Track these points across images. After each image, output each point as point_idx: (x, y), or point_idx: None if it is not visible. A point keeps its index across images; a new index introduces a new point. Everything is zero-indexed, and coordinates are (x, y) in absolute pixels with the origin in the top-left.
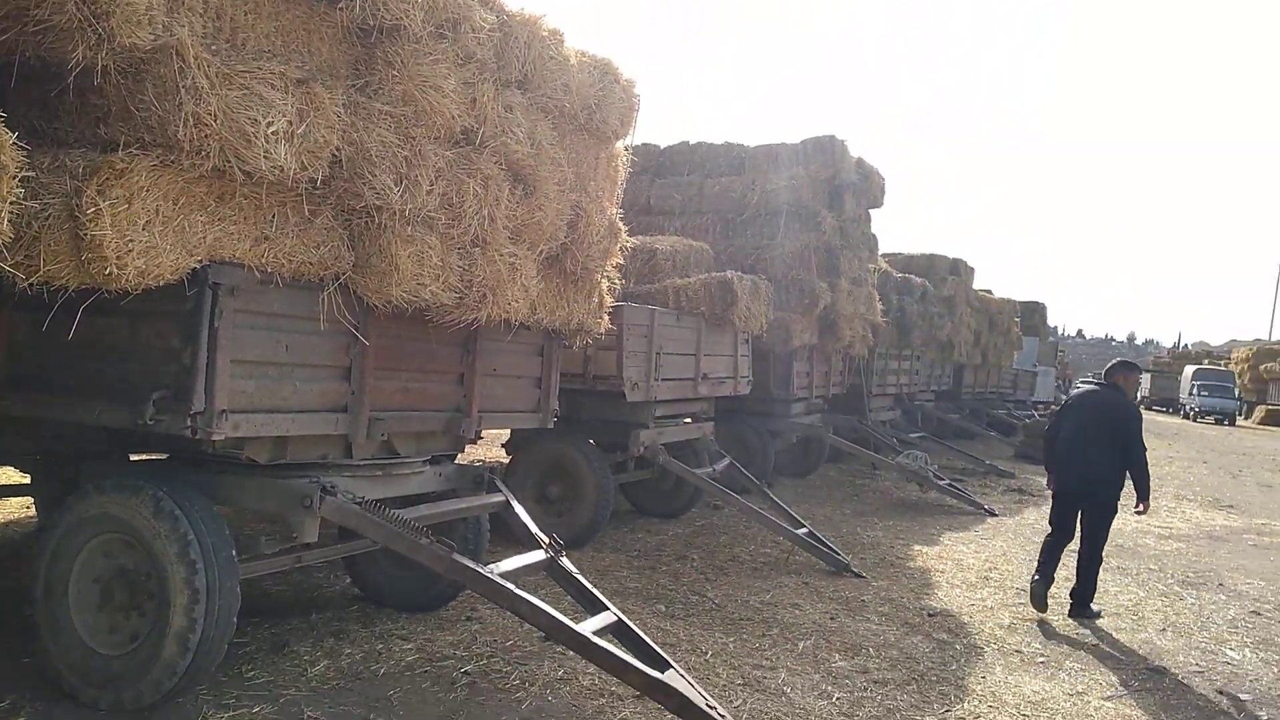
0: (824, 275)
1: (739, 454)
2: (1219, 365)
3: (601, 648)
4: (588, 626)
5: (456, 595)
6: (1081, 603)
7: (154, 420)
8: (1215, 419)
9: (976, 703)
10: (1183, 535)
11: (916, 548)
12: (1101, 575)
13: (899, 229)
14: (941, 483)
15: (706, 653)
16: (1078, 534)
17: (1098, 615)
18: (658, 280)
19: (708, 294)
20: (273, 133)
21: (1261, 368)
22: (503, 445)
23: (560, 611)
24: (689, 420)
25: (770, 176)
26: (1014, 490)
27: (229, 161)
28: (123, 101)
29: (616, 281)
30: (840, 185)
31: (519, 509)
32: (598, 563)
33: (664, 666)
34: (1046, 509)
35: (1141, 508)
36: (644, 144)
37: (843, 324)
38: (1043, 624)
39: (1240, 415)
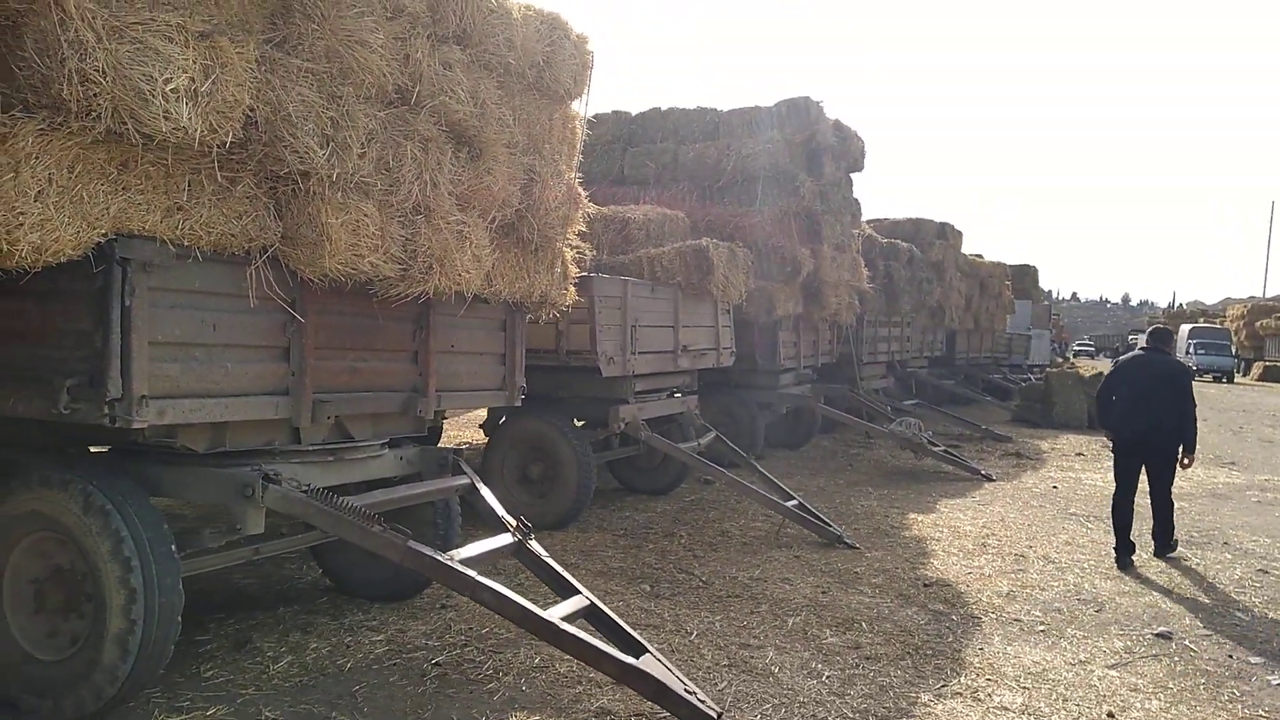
0: (805, 242)
1: (727, 427)
2: (1214, 324)
3: (571, 635)
4: (557, 612)
5: (430, 583)
6: (1165, 543)
7: (69, 409)
8: (1213, 377)
9: (974, 676)
10: (1186, 494)
11: (912, 516)
12: (1102, 539)
13: (885, 194)
14: (937, 449)
15: (691, 633)
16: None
17: (1177, 545)
18: (631, 251)
19: (683, 263)
20: (172, 90)
21: (1257, 324)
22: (480, 426)
23: (536, 595)
24: (674, 394)
25: (746, 141)
26: (1011, 454)
27: (124, 123)
28: (1, 59)
29: (586, 252)
30: (818, 148)
31: (485, 492)
32: (583, 543)
33: (639, 651)
34: (1045, 471)
35: (1188, 460)
36: (615, 112)
37: (828, 291)
38: (1043, 589)
39: (1238, 372)
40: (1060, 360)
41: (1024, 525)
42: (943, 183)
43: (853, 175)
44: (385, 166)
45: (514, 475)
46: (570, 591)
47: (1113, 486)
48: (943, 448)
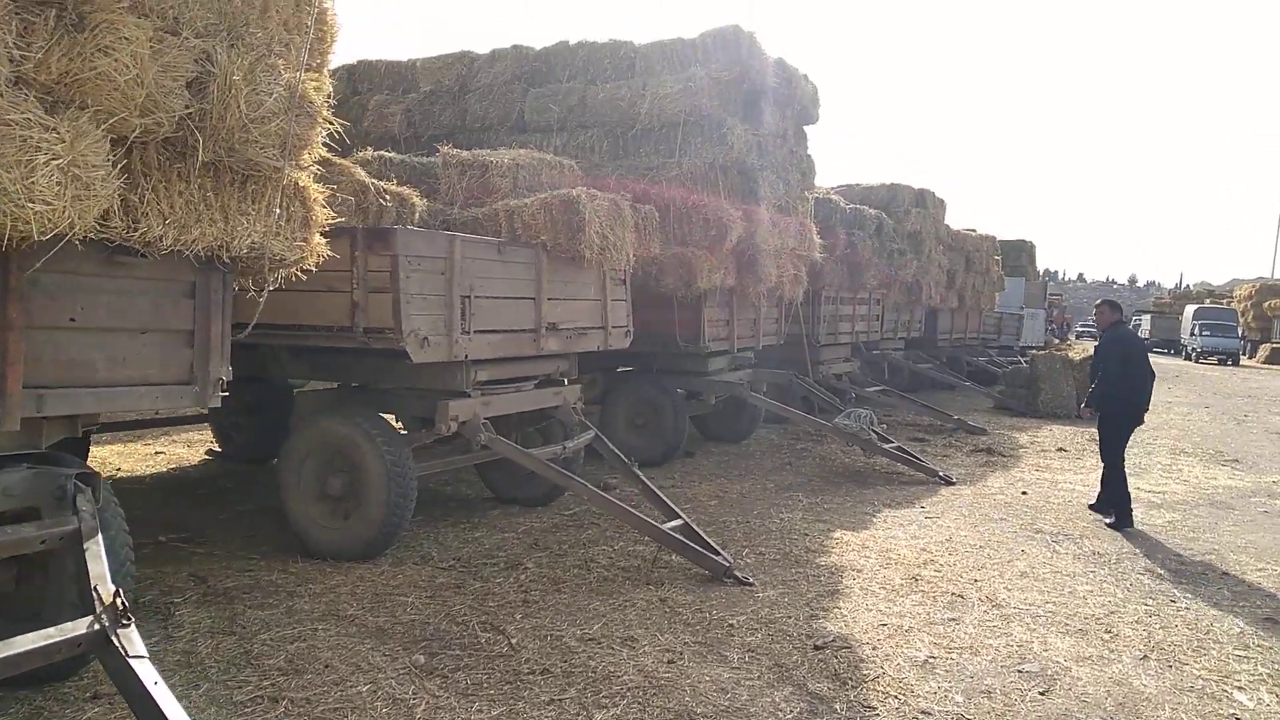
0: (737, 201)
1: (650, 419)
2: (1221, 304)
3: None
4: None
5: None
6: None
7: None
8: (1218, 359)
9: None
10: (1178, 502)
11: (838, 535)
12: (1069, 568)
13: (870, 161)
14: (888, 445)
15: None
16: None
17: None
18: (492, 203)
19: (548, 218)
20: None
21: (1265, 305)
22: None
23: None
24: (544, 384)
25: (664, 80)
26: (981, 450)
27: None
28: None
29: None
30: (755, 91)
31: (96, 548)
32: (389, 579)
33: None
34: (1017, 471)
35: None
36: (515, 47)
37: (765, 261)
38: (975, 653)
39: (1244, 354)
40: (1057, 342)
41: (974, 547)
42: (935, 153)
43: (807, 129)
44: None
45: (312, 490)
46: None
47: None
48: (896, 444)
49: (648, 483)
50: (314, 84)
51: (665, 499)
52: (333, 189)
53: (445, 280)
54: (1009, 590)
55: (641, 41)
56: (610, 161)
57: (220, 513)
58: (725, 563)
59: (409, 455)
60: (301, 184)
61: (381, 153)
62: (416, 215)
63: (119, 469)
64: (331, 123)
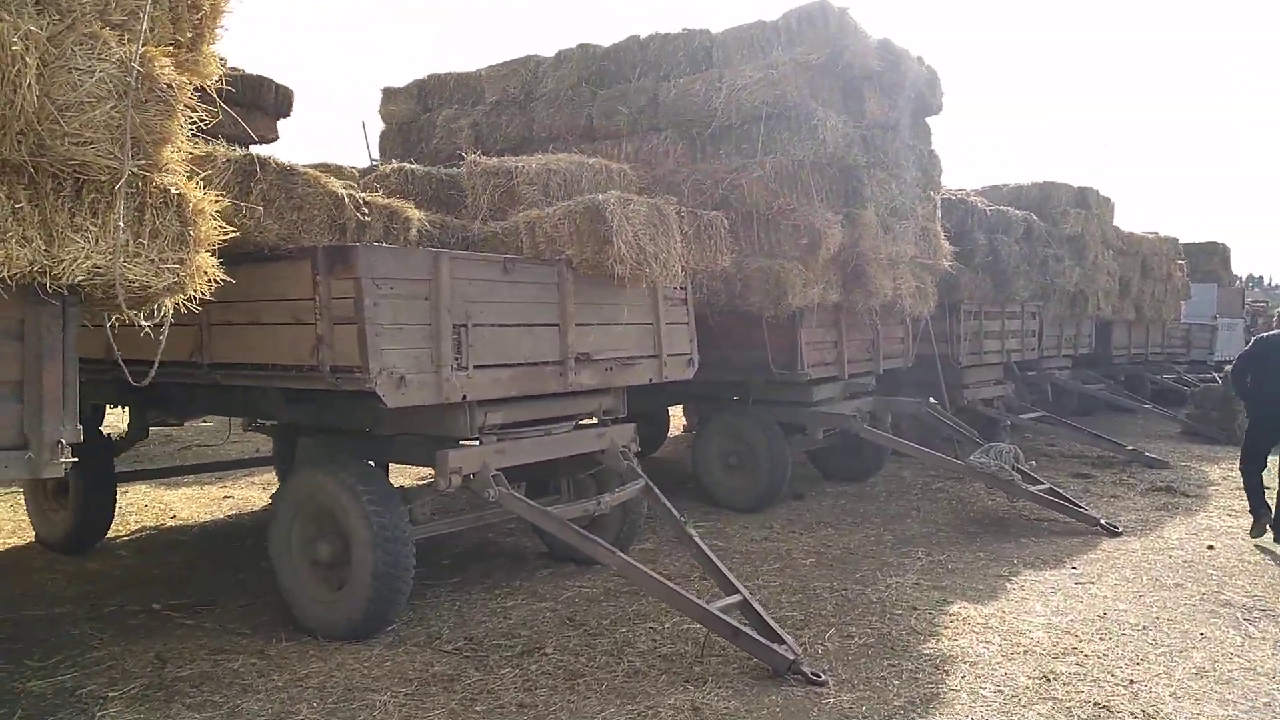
0: (836, 203)
1: (744, 458)
2: None
3: None
4: None
5: None
6: None
7: None
8: None
9: None
10: None
11: (955, 609)
12: (1269, 663)
13: (1017, 162)
14: (1036, 488)
15: None
16: None
17: None
18: (515, 215)
19: (573, 228)
20: None
21: None
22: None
23: None
24: (581, 424)
25: (742, 69)
26: (1160, 489)
27: None
28: None
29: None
30: (854, 78)
31: None
32: (371, 669)
33: None
34: (1203, 518)
35: None
36: (581, 46)
37: (875, 271)
38: None
39: None
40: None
41: (1136, 628)
42: (1100, 149)
43: (931, 122)
44: None
45: (303, 555)
46: None
47: None
48: (1046, 485)
49: (702, 546)
50: (178, 63)
51: (722, 568)
52: (299, 203)
53: (430, 306)
54: (1178, 698)
55: (720, 29)
56: (686, 166)
57: (241, 571)
58: (789, 655)
59: (403, 516)
60: (175, 191)
61: (403, 164)
62: (412, 231)
63: (174, 515)
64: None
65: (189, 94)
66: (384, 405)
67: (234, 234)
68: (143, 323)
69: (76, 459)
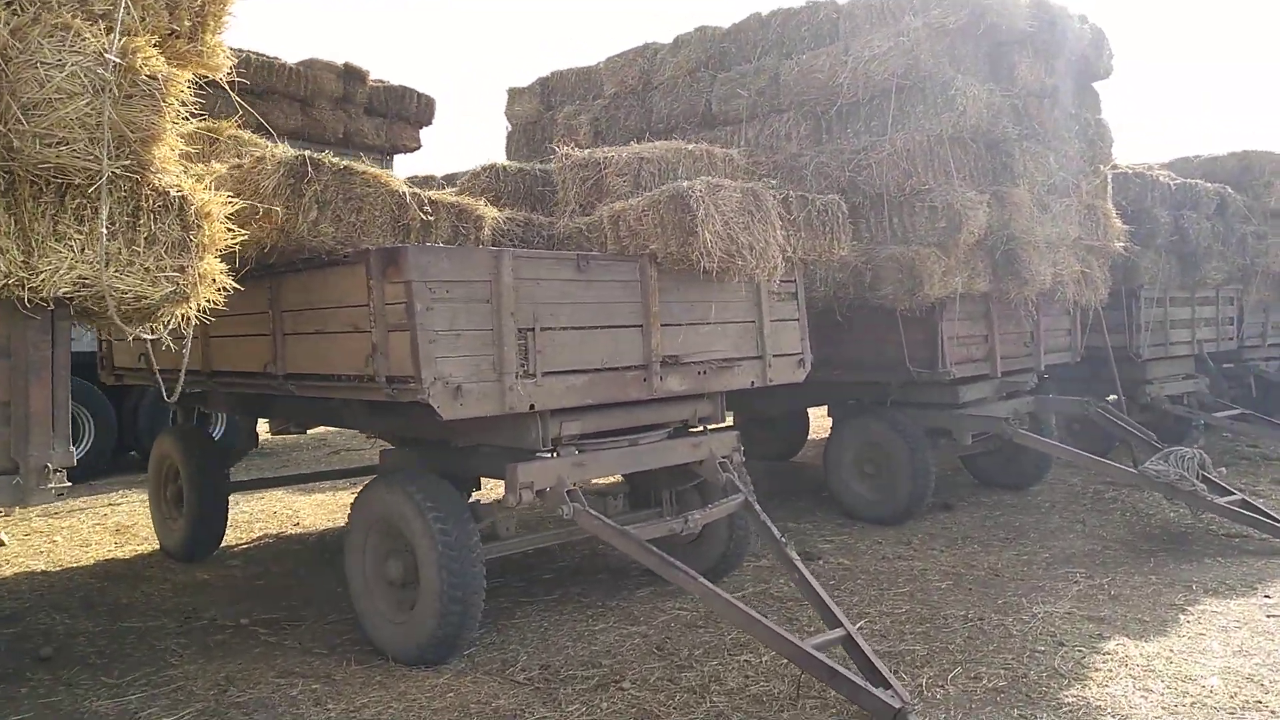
0: (984, 181)
1: (881, 466)
2: None
3: None
4: None
5: None
6: None
7: None
8: None
9: None
10: None
11: (1111, 646)
12: None
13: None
14: (1226, 500)
15: None
16: None
17: None
18: (602, 209)
19: (657, 220)
20: None
21: None
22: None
23: None
24: (678, 432)
25: (869, 39)
26: None
27: None
28: None
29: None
30: (1001, 42)
31: None
32: (434, 699)
33: None
34: None
35: None
36: (699, 29)
37: (1030, 256)
38: None
39: None
40: None
41: None
42: None
43: (1099, 87)
44: None
45: (375, 574)
46: None
47: None
48: (1239, 496)
49: (804, 571)
50: (175, 54)
51: (825, 596)
52: (358, 204)
53: (491, 310)
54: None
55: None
56: (811, 149)
57: (340, 584)
58: (894, 704)
59: (472, 533)
60: (175, 193)
61: (496, 162)
62: (485, 230)
63: (297, 523)
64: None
65: (182, 87)
66: (440, 416)
67: (262, 236)
68: (144, 335)
69: (70, 484)
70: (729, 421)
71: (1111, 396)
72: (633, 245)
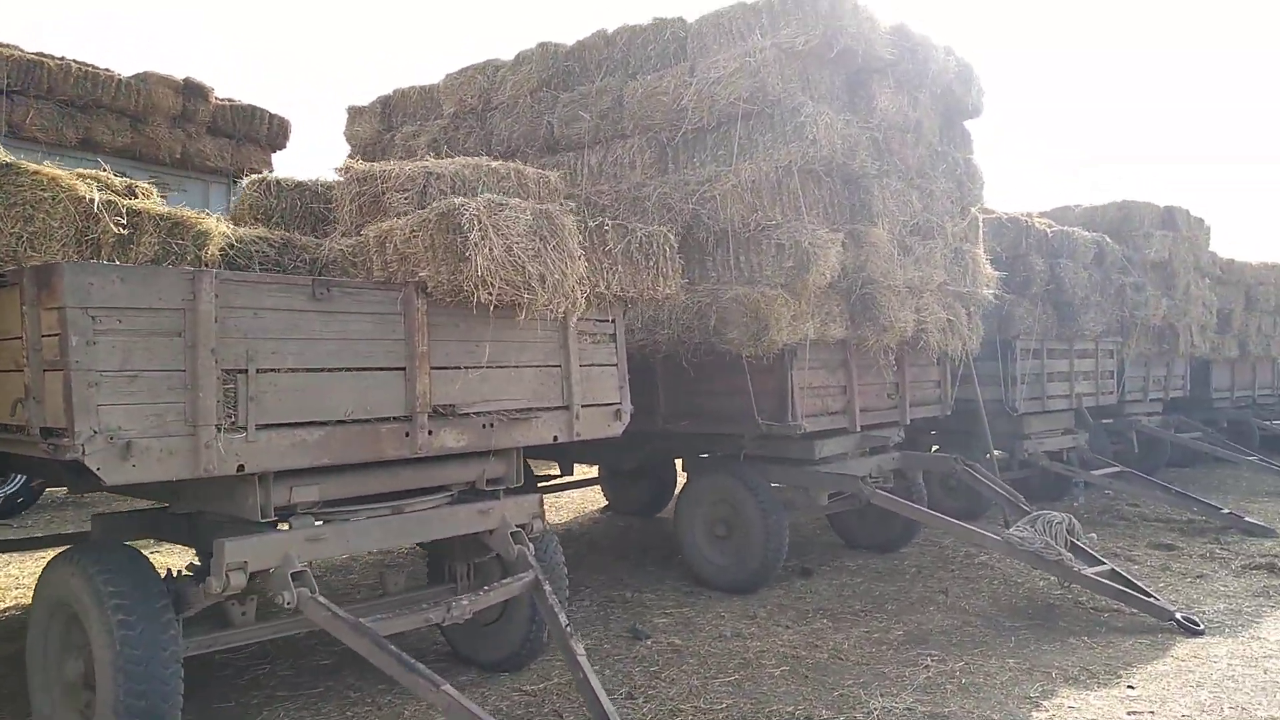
0: (835, 218)
1: (733, 528)
2: None
3: None
4: None
5: None
6: None
7: None
8: None
9: None
10: None
11: None
12: None
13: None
14: (1094, 570)
15: None
16: None
17: None
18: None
19: (428, 242)
20: None
21: None
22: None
23: None
24: (458, 497)
25: (715, 59)
26: (1261, 565)
27: None
28: None
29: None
30: (862, 69)
31: None
32: None
33: None
34: None
35: None
36: (541, 45)
37: (888, 300)
38: None
39: None
40: None
41: None
42: (1195, 169)
43: (970, 127)
44: None
45: (56, 673)
46: None
47: None
48: (1108, 566)
49: (586, 670)
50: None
51: (604, 702)
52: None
53: (185, 345)
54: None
55: (695, 18)
56: (655, 178)
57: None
58: None
59: (167, 627)
60: None
61: (266, 175)
62: (211, 250)
63: None
64: None
65: None
66: (102, 481)
67: None
68: None
69: None
70: (531, 482)
71: (997, 452)
72: (402, 272)
